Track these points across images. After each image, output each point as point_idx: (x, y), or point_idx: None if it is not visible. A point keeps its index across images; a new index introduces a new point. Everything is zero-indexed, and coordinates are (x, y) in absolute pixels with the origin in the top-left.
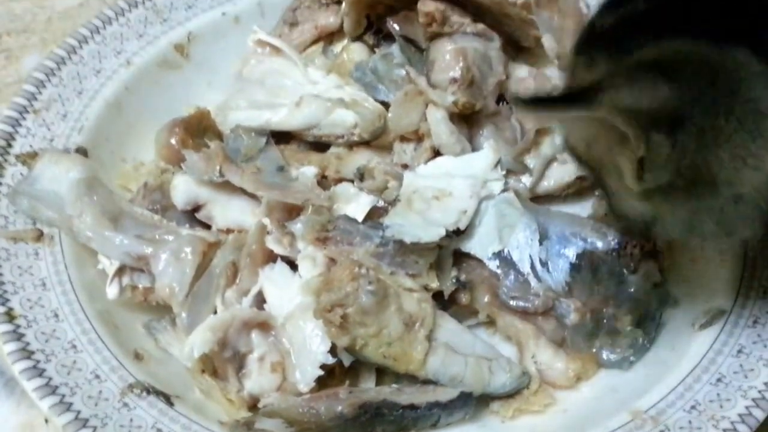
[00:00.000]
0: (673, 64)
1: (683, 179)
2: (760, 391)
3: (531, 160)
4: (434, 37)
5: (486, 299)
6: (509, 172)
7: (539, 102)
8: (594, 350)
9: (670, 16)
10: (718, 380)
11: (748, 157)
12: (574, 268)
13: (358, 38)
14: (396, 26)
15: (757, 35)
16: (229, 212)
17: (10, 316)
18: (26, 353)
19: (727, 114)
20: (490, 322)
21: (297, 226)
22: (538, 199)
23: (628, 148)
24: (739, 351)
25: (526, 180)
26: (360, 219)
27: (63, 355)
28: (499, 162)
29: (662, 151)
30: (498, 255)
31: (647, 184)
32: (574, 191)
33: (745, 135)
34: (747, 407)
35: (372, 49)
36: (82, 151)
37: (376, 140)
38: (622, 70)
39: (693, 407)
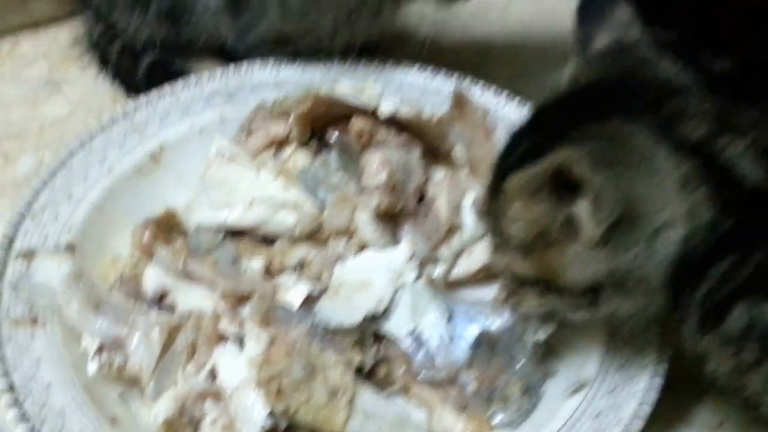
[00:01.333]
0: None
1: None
2: None
3: (443, 252)
4: (365, 147)
5: (401, 372)
6: (426, 262)
7: None
8: (489, 413)
9: None
10: None
11: None
12: (475, 344)
13: (304, 144)
14: (334, 136)
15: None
16: (191, 299)
17: (11, 388)
18: (25, 419)
19: None
20: (405, 391)
21: (245, 311)
22: (451, 284)
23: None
24: (597, 414)
25: (441, 268)
26: (296, 305)
27: (54, 420)
28: (413, 255)
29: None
30: (411, 334)
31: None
32: (481, 277)
33: None
34: None
35: (315, 154)
36: (70, 248)
37: (314, 235)
38: None
39: None
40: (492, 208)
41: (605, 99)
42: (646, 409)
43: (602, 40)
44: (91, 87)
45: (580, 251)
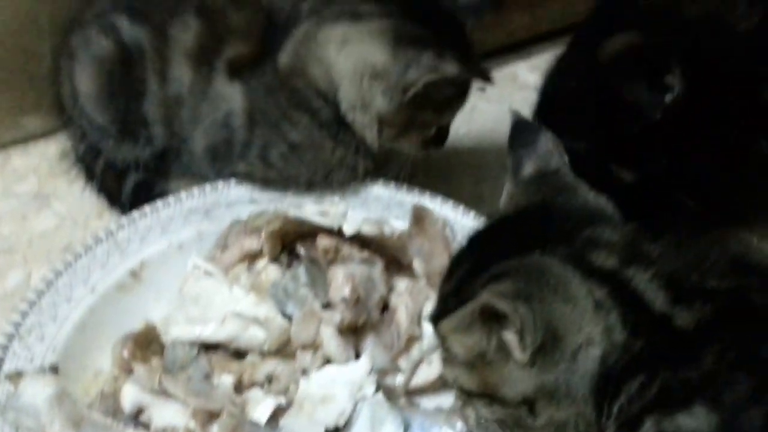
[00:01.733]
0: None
1: None
2: None
3: (403, 362)
4: (331, 262)
5: None
6: (387, 372)
7: None
8: None
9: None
10: None
11: None
12: None
13: (275, 259)
14: (303, 251)
15: None
16: (165, 415)
17: None
18: None
19: None
20: None
21: (215, 428)
22: (411, 392)
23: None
24: None
25: (401, 377)
26: (263, 421)
27: None
28: (372, 369)
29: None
30: None
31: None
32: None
33: None
34: None
35: (287, 266)
36: (54, 369)
37: (282, 349)
38: None
39: None
40: (437, 331)
41: (527, 231)
42: None
43: (529, 167)
44: (78, 200)
45: (513, 369)
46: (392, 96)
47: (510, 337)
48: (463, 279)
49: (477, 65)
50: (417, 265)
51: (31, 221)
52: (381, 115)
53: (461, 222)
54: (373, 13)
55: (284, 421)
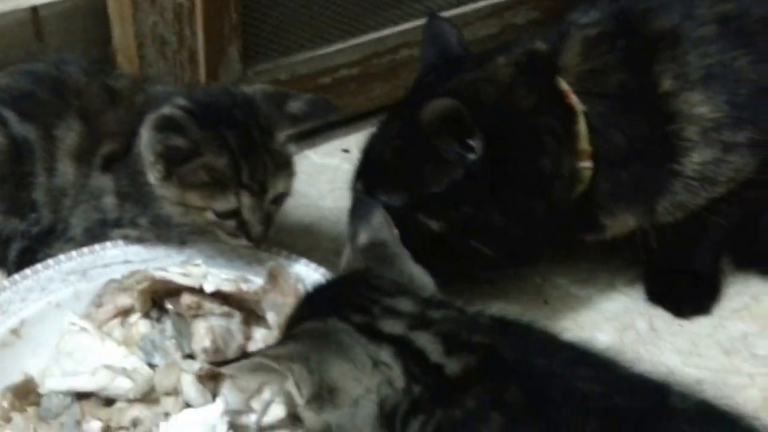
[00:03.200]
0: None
1: None
2: None
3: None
4: (194, 316)
5: None
6: (243, 412)
7: None
8: None
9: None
10: None
11: None
12: None
13: (146, 314)
14: (170, 307)
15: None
16: None
17: None
18: None
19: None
20: None
21: None
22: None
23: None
24: None
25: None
26: None
27: None
28: (225, 410)
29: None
30: None
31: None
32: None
33: None
34: None
35: (156, 321)
36: None
37: (147, 396)
38: None
39: None
40: None
41: (338, 296)
42: None
43: (364, 237)
44: None
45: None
46: (150, 170)
47: (290, 387)
48: (289, 326)
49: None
50: (270, 317)
51: None
52: (157, 188)
53: (313, 276)
54: (159, 110)
55: None
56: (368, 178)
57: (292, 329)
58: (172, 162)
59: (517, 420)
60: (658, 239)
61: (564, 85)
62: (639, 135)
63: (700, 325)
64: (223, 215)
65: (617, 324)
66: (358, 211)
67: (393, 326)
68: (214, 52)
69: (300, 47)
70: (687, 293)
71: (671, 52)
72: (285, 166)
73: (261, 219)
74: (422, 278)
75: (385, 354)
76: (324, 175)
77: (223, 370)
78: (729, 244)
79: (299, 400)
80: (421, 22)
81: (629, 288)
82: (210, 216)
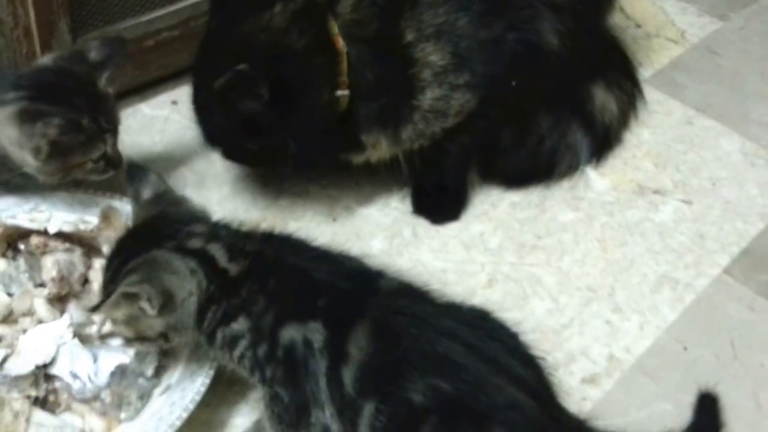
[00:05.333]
0: None
1: None
2: None
3: (96, 317)
4: (42, 253)
5: (65, 397)
6: (86, 324)
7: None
8: (118, 415)
9: None
10: None
11: None
12: (113, 374)
13: (3, 254)
14: (23, 247)
15: None
16: None
17: None
18: None
19: None
20: (68, 408)
21: None
22: (102, 336)
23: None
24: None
25: (95, 327)
26: None
27: None
28: (71, 323)
29: None
30: (70, 373)
31: None
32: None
33: None
34: None
35: (12, 258)
36: None
37: (8, 318)
38: None
39: None
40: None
41: (149, 235)
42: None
43: (146, 192)
44: None
45: (150, 320)
46: (33, 156)
47: (144, 304)
48: (114, 272)
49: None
50: (105, 249)
51: None
52: (39, 168)
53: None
54: (11, 99)
55: (8, 365)
56: (198, 107)
57: (123, 262)
58: (56, 143)
59: (273, 300)
60: (413, 163)
61: (334, 29)
62: (387, 74)
63: (450, 228)
64: (97, 160)
65: (388, 233)
66: (133, 175)
67: (194, 243)
68: (45, 27)
69: (124, 15)
70: (440, 204)
71: (411, 11)
72: (113, 103)
73: (117, 150)
74: (202, 211)
75: (193, 263)
76: (155, 126)
77: (97, 313)
78: (473, 163)
79: (152, 312)
80: None
81: (400, 204)
82: (89, 165)
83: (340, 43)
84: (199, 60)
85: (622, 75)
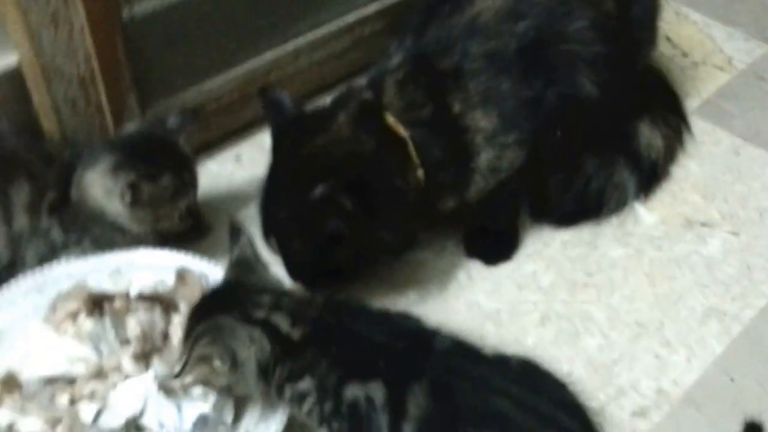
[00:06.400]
0: None
1: None
2: None
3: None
4: (125, 313)
5: None
6: (169, 377)
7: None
8: None
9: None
10: None
11: None
12: (196, 422)
13: (90, 314)
14: (108, 308)
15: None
16: (28, 426)
17: None
18: None
19: None
20: None
21: (59, 429)
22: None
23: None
24: None
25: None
26: (90, 421)
27: None
28: (155, 376)
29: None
30: (159, 424)
31: None
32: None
33: None
34: None
35: (99, 318)
36: None
37: (99, 374)
38: None
39: None
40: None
41: (222, 299)
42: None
43: (234, 255)
44: None
45: (223, 375)
46: (120, 200)
47: (216, 363)
48: (188, 333)
49: (177, 171)
50: (182, 306)
51: None
52: (128, 215)
53: (214, 272)
54: (104, 158)
55: (102, 419)
56: (277, 236)
57: (196, 325)
58: (141, 190)
59: (336, 362)
60: (470, 212)
61: (391, 120)
62: (448, 146)
63: (503, 269)
64: (184, 211)
65: (444, 277)
66: (232, 237)
67: (259, 313)
68: (116, 103)
69: (186, 85)
70: (493, 246)
71: (456, 83)
72: (193, 162)
73: (196, 202)
74: (276, 281)
75: (256, 332)
76: (221, 180)
77: (176, 382)
78: (524, 204)
79: (222, 369)
80: (281, 50)
81: (455, 248)
82: (177, 215)
83: (401, 130)
84: (271, 191)
85: (668, 110)
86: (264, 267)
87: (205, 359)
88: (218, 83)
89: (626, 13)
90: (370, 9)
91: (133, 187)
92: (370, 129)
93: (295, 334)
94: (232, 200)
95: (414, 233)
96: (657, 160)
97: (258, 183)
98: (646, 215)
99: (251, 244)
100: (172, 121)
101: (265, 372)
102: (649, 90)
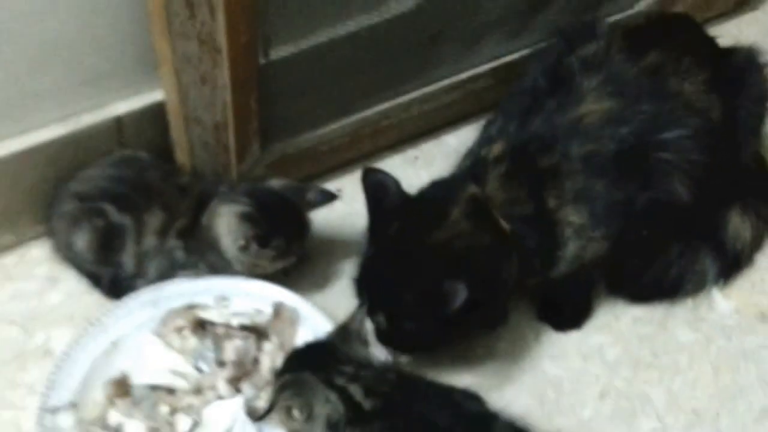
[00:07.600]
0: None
1: None
2: None
3: (264, 393)
4: (224, 338)
5: None
6: (256, 399)
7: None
8: None
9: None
10: None
11: None
12: None
13: (195, 331)
14: (210, 331)
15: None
16: (133, 428)
17: None
18: None
19: None
20: None
21: None
22: None
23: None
24: None
25: (263, 402)
26: None
27: None
28: (245, 400)
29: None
30: None
31: None
32: None
33: None
34: None
35: (202, 336)
36: (73, 404)
37: (196, 390)
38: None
39: None
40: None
41: (312, 357)
42: None
43: (346, 320)
44: (75, 281)
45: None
46: (234, 245)
47: (295, 413)
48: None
49: (291, 240)
50: (274, 338)
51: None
52: (235, 257)
53: (304, 307)
54: (240, 202)
55: None
56: (389, 314)
57: (287, 373)
58: (252, 245)
59: None
60: (548, 286)
61: (496, 215)
62: (540, 237)
63: (571, 336)
64: (281, 269)
65: (512, 336)
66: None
67: (339, 380)
68: (241, 146)
69: (303, 130)
70: (566, 315)
71: (553, 181)
72: (308, 232)
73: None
74: (364, 357)
75: (333, 396)
76: (320, 213)
77: (262, 420)
78: (602, 279)
79: (300, 418)
80: (391, 102)
81: (527, 309)
82: (272, 270)
83: (506, 225)
84: (384, 273)
85: (761, 200)
86: (362, 343)
87: (287, 408)
88: (332, 128)
89: (732, 118)
90: (484, 67)
91: (247, 240)
92: (484, 224)
93: (367, 404)
94: (330, 232)
95: (507, 309)
96: (742, 249)
97: (355, 218)
98: (722, 302)
99: (362, 321)
100: (312, 195)
101: (335, 429)
102: (744, 180)
